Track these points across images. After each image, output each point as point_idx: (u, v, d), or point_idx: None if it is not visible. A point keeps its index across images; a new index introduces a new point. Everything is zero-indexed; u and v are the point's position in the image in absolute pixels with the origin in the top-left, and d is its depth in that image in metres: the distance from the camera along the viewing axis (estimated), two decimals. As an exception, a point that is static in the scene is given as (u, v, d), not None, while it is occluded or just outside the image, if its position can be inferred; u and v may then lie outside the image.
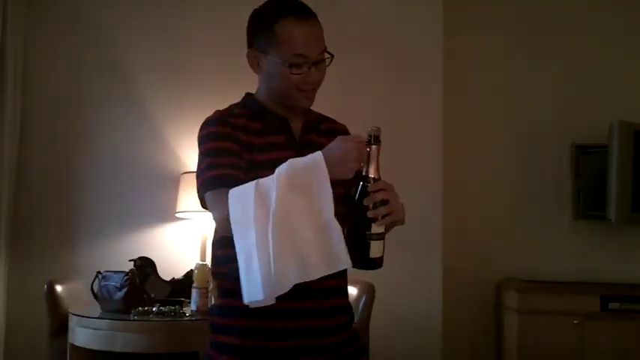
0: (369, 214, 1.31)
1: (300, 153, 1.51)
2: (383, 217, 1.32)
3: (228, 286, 1.46)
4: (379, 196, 1.32)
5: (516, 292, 3.23)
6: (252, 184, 1.33)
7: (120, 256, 2.83)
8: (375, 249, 1.33)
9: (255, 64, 1.55)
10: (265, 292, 1.26)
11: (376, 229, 1.32)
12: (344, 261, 1.28)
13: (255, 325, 1.44)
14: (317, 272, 1.29)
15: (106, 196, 3.25)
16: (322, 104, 1.63)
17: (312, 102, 1.57)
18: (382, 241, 1.34)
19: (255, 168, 1.46)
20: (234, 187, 1.38)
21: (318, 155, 1.32)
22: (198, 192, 1.49)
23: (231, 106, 1.58)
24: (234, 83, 3.14)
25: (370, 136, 1.32)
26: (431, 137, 3.26)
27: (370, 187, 1.32)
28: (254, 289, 1.27)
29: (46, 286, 2.72)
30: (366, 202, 1.31)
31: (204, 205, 1.49)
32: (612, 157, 3.26)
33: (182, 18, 3.33)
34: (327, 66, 1.55)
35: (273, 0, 1.56)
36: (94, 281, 2.64)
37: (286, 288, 1.27)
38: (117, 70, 3.31)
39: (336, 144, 1.34)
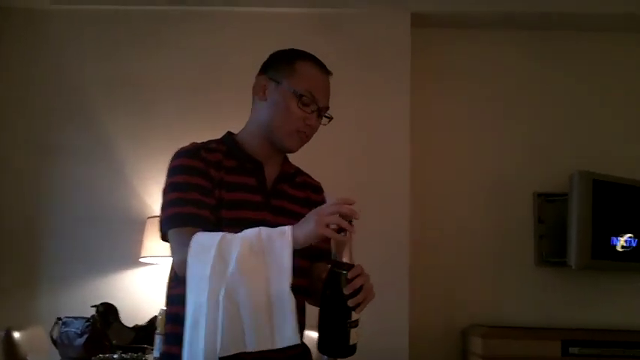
0: (350, 302, 1.28)
1: (268, 200, 1.53)
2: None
3: (176, 331, 1.39)
4: (358, 283, 1.29)
5: (481, 338, 3.24)
6: (217, 238, 1.30)
7: (82, 303, 2.78)
8: (354, 335, 1.31)
9: (261, 90, 1.56)
10: (206, 357, 1.24)
11: (355, 316, 1.31)
12: (292, 337, 1.25)
13: None
14: (262, 345, 1.26)
15: (69, 241, 3.20)
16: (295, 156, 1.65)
17: (297, 148, 1.58)
18: (359, 326, 1.33)
19: (221, 206, 1.46)
20: (199, 226, 1.37)
21: (287, 227, 1.30)
22: (161, 225, 1.47)
23: (209, 141, 1.58)
24: (201, 125, 3.19)
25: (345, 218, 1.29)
26: (398, 188, 3.31)
27: (349, 273, 1.29)
28: (195, 353, 1.25)
29: (3, 334, 2.65)
30: (346, 291, 1.28)
31: (165, 239, 1.47)
32: (572, 205, 3.34)
33: (148, 60, 3.36)
34: (324, 124, 1.59)
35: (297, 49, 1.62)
36: (53, 327, 2.58)
37: (226, 354, 1.25)
38: (81, 113, 3.31)
39: (311, 214, 1.32)
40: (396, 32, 3.42)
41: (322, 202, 1.63)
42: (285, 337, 1.26)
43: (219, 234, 1.32)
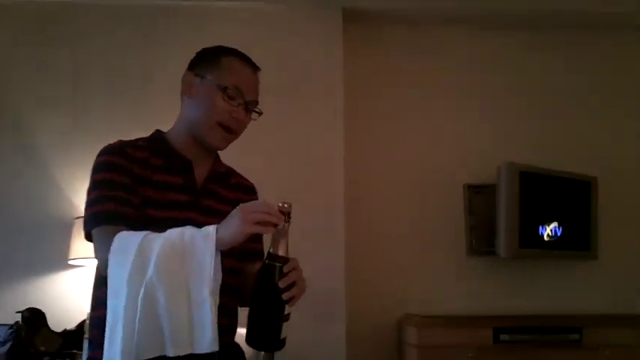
0: (285, 296, 1.27)
1: (197, 199, 1.50)
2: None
3: (100, 336, 1.33)
4: (293, 277, 1.28)
5: (415, 328, 3.30)
6: (139, 237, 1.27)
7: (6, 309, 2.67)
8: (285, 330, 1.30)
9: (187, 87, 1.54)
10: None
11: (288, 309, 1.29)
12: (211, 344, 1.23)
13: None
14: (180, 350, 1.23)
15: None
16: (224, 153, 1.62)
17: (225, 145, 1.55)
18: (288, 320, 1.31)
19: (146, 205, 1.43)
20: (123, 224, 1.34)
21: (212, 227, 1.27)
22: (84, 224, 1.43)
23: (137, 139, 1.55)
24: (130, 122, 3.13)
25: (281, 212, 1.27)
26: (333, 182, 3.32)
27: (285, 267, 1.27)
28: (112, 356, 1.22)
29: None
30: (281, 285, 1.27)
31: (89, 239, 1.43)
32: (500, 196, 3.43)
33: (77, 55, 3.25)
34: (253, 120, 1.56)
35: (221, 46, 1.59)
36: (-25, 334, 2.48)
37: (144, 358, 1.22)
38: (8, 114, 3.17)
39: (235, 211, 1.28)
40: (328, 27, 3.42)
41: None
42: (204, 344, 1.23)
43: (142, 233, 1.29)
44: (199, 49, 1.61)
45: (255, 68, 1.57)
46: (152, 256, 1.24)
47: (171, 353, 1.23)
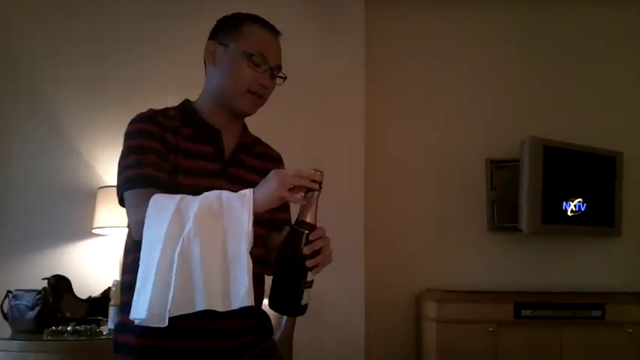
0: (309, 263, 1.27)
1: (226, 168, 1.51)
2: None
3: (128, 300, 1.35)
4: (318, 245, 1.28)
5: (435, 302, 3.31)
6: (175, 198, 1.29)
7: (34, 275, 2.71)
8: (306, 296, 1.31)
9: (210, 55, 1.54)
10: (150, 312, 1.22)
11: (311, 277, 1.30)
12: (244, 299, 1.23)
13: (151, 344, 1.38)
14: (213, 304, 1.24)
15: (18, 213, 3.10)
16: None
17: (255, 110, 1.55)
18: (311, 287, 1.32)
19: (177, 172, 1.43)
20: (157, 188, 1.35)
21: (248, 190, 1.29)
22: (117, 190, 1.44)
23: (166, 108, 1.55)
24: (151, 93, 3.12)
25: (312, 181, 1.28)
26: (353, 155, 3.31)
27: (311, 235, 1.28)
28: (141, 307, 1.23)
29: (-49, 308, 2.58)
30: (306, 251, 1.27)
31: (122, 204, 1.44)
32: (523, 171, 3.40)
33: (97, 28, 3.24)
34: (279, 85, 1.56)
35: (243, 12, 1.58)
36: (3, 301, 2.52)
37: (176, 313, 1.23)
38: (26, 82, 3.19)
39: (272, 174, 1.30)
40: (351, 1, 3.38)
41: None
42: (238, 298, 1.24)
43: (179, 195, 1.30)
44: (219, 17, 1.60)
45: (276, 33, 1.56)
46: (190, 214, 1.26)
47: (202, 306, 1.24)
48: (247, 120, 1.63)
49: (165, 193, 1.36)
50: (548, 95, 3.70)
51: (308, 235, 1.28)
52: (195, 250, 1.24)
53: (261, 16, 1.59)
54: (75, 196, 3.10)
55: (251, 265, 1.25)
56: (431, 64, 3.68)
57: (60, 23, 3.23)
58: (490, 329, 3.22)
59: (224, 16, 1.59)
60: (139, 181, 1.39)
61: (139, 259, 1.30)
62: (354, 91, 3.34)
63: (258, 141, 1.66)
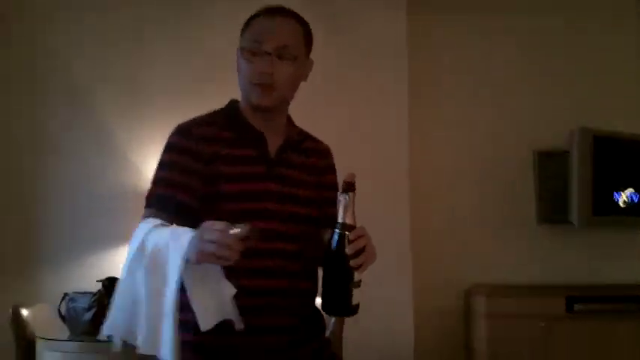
0: (353, 263, 1.30)
1: (272, 170, 1.50)
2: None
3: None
4: (360, 244, 1.30)
5: (485, 297, 3.28)
6: (145, 229, 1.36)
7: (87, 278, 2.78)
8: (356, 296, 1.34)
9: (237, 59, 1.54)
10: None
11: (357, 276, 1.32)
12: (167, 355, 1.28)
13: (208, 341, 1.43)
14: (145, 349, 1.32)
15: (70, 217, 3.18)
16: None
17: (266, 101, 1.50)
18: (360, 287, 1.34)
19: (219, 180, 1.44)
20: (170, 209, 1.42)
21: (187, 239, 1.28)
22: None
23: (208, 113, 1.57)
24: (196, 97, 3.14)
25: (346, 183, 1.32)
26: (397, 148, 3.28)
27: (351, 235, 1.31)
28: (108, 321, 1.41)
29: (10, 311, 2.67)
30: (349, 251, 1.30)
31: None
32: (573, 162, 3.34)
33: (143, 39, 3.28)
34: (291, 66, 1.49)
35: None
36: (60, 303, 2.59)
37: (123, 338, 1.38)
38: (78, 93, 3.25)
39: (198, 230, 1.29)
40: (392, 21, 3.35)
41: (328, 167, 1.65)
42: (165, 354, 1.29)
43: (151, 226, 1.36)
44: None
45: (279, 14, 1.52)
46: (145, 253, 1.33)
47: (139, 348, 1.33)
48: (295, 114, 1.62)
49: (185, 211, 1.43)
50: (597, 84, 3.61)
51: (347, 235, 1.31)
52: (140, 291, 1.33)
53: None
54: (125, 200, 3.16)
55: (176, 327, 1.28)
56: (473, 53, 3.62)
57: (106, 36, 3.29)
58: (542, 324, 3.17)
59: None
60: (152, 200, 1.46)
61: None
62: (395, 86, 3.31)
63: (304, 136, 1.64)
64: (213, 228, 1.24)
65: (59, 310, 2.60)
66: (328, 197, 1.58)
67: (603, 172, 3.38)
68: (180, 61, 3.24)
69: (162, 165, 1.49)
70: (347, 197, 1.31)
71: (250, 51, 1.47)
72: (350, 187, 1.31)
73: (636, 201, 3.46)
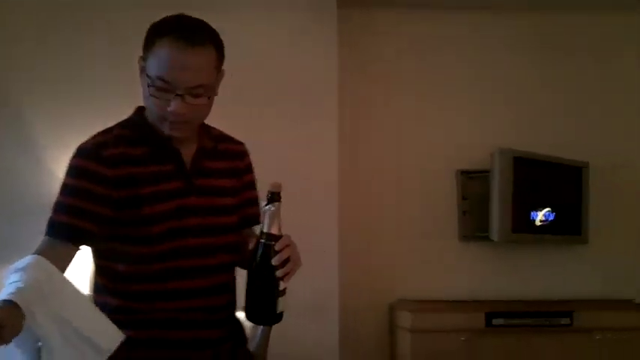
0: (279, 273, 1.30)
1: (190, 183, 1.44)
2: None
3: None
4: (286, 254, 1.30)
5: (409, 312, 3.33)
6: (18, 266, 1.23)
7: None
8: (282, 304, 1.34)
9: (139, 70, 1.42)
10: None
11: (283, 285, 1.33)
12: None
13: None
14: None
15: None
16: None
17: (182, 133, 1.41)
18: (285, 295, 1.35)
19: (141, 202, 1.37)
20: (71, 238, 1.33)
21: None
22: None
23: (113, 129, 1.45)
24: (125, 99, 3.05)
25: (271, 193, 1.30)
26: (327, 167, 3.31)
27: (277, 245, 1.31)
28: None
29: None
30: (275, 262, 1.29)
31: None
32: (494, 181, 3.45)
33: (70, 28, 3.19)
34: (205, 104, 1.38)
35: (173, 16, 1.41)
36: None
37: None
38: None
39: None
40: (321, 15, 3.38)
41: (247, 166, 1.59)
42: None
43: (19, 267, 1.23)
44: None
45: (195, 46, 1.34)
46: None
47: None
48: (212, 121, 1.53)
49: (88, 238, 1.36)
50: (518, 105, 3.76)
51: (272, 245, 1.31)
52: None
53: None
54: (33, 205, 3.01)
55: None
56: (400, 78, 3.71)
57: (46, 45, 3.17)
58: (462, 339, 3.25)
59: (151, 25, 1.41)
60: (52, 228, 1.35)
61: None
62: (325, 105, 3.33)
63: (219, 138, 1.55)
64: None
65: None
66: (249, 197, 1.57)
67: (522, 192, 3.51)
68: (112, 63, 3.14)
69: (63, 189, 1.38)
70: (272, 207, 1.30)
71: (158, 88, 1.34)
72: (276, 196, 1.30)
73: (552, 219, 3.62)
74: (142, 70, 1.40)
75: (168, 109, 1.35)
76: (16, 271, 1.22)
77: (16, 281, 1.19)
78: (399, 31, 3.73)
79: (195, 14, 1.43)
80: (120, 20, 3.18)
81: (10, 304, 1.13)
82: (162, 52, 1.34)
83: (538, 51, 3.81)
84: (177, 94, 1.34)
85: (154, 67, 1.34)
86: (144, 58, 1.39)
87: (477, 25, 3.77)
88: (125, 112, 1.52)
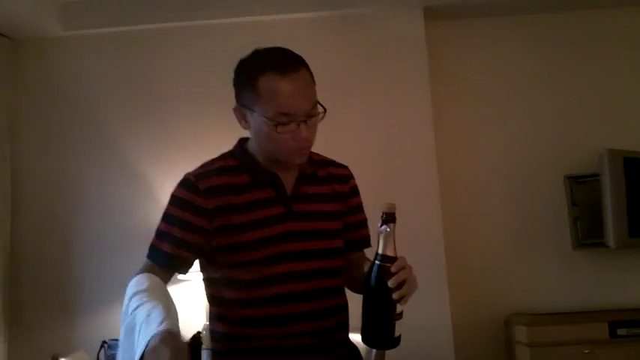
0: (395, 295, 1.28)
1: (291, 208, 1.46)
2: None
3: (216, 347, 1.51)
4: (402, 277, 1.28)
5: (525, 326, 3.20)
6: (130, 291, 1.32)
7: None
8: (399, 328, 1.32)
9: (242, 119, 1.47)
10: None
11: (399, 308, 1.31)
12: None
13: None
14: None
15: (103, 263, 3.19)
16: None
17: (305, 158, 1.48)
18: (402, 318, 1.32)
19: (242, 229, 1.41)
20: (168, 265, 1.41)
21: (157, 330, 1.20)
22: None
23: (215, 160, 1.52)
24: (221, 132, 3.17)
25: (385, 214, 1.29)
26: (427, 182, 3.28)
27: (392, 268, 1.29)
28: None
29: (50, 360, 2.65)
30: (391, 284, 1.28)
31: None
32: (605, 184, 3.29)
33: (166, 76, 3.36)
34: (320, 120, 1.44)
35: (258, 51, 1.47)
36: (99, 351, 2.58)
37: None
38: (104, 134, 3.32)
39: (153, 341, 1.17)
40: (411, 28, 3.40)
41: (351, 190, 1.61)
42: None
43: (135, 289, 1.32)
44: (235, 69, 1.49)
45: (295, 71, 1.39)
46: (127, 314, 1.30)
47: None
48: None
49: (180, 266, 1.44)
50: (623, 106, 3.59)
51: (388, 267, 1.29)
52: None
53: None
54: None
55: None
56: (498, 81, 3.63)
57: (126, 70, 3.37)
58: (586, 351, 3.09)
59: (238, 67, 1.47)
60: (153, 253, 1.44)
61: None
62: (422, 113, 3.34)
63: (320, 163, 1.58)
64: (161, 349, 1.14)
65: (97, 358, 2.58)
66: (356, 221, 1.58)
67: (636, 193, 3.33)
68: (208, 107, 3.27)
69: (164, 217, 1.46)
70: (388, 228, 1.29)
71: (282, 124, 1.39)
72: (390, 217, 1.29)
73: (672, 220, 3.40)
74: (243, 116, 1.46)
75: (296, 138, 1.40)
76: (142, 291, 1.30)
77: (153, 303, 1.27)
78: (492, 35, 3.66)
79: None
80: (209, 50, 3.31)
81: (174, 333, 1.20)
82: (271, 90, 1.38)
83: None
84: (300, 121, 1.40)
85: (269, 106, 1.39)
86: (244, 105, 1.44)
87: (579, 24, 3.64)
88: (229, 145, 1.59)
